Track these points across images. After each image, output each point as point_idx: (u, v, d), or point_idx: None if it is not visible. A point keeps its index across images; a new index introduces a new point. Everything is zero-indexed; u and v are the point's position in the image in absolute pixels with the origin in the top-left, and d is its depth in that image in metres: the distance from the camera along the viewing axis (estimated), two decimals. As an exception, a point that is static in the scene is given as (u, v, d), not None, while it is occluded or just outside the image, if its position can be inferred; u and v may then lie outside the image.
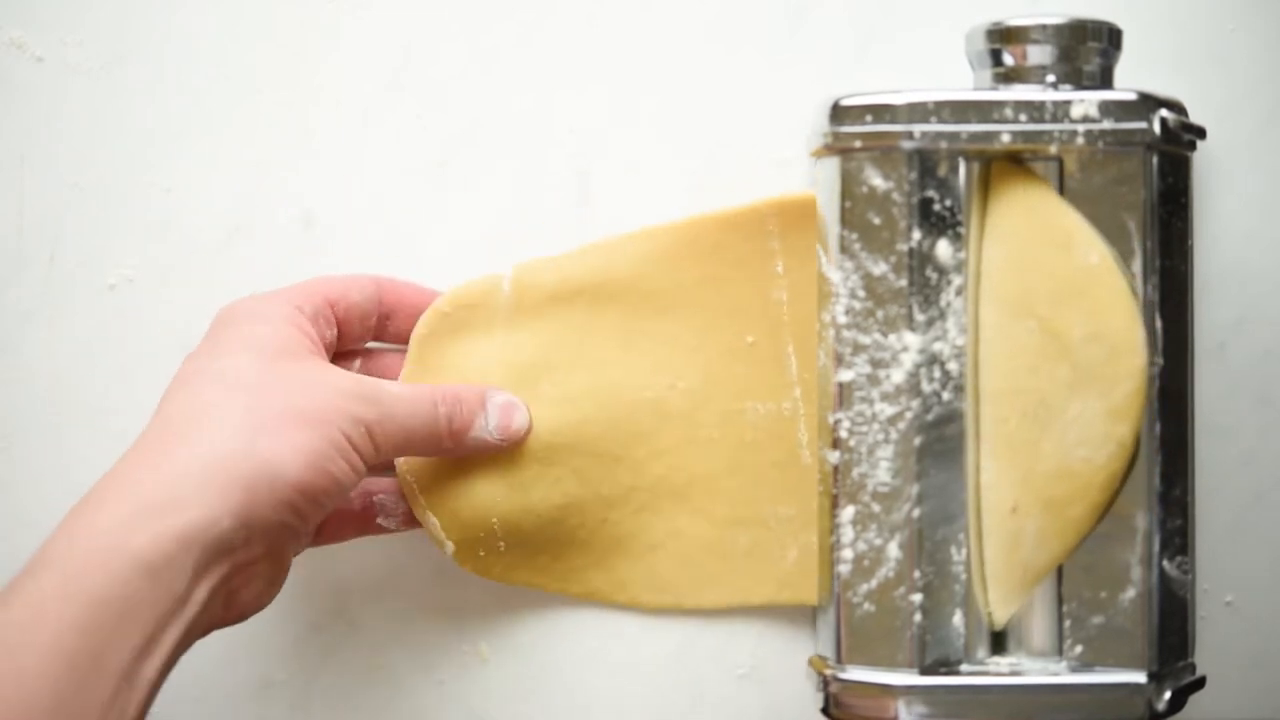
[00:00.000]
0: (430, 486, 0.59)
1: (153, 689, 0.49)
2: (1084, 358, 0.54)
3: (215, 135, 0.62)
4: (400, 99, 0.62)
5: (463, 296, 0.59)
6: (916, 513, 0.55)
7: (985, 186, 0.56)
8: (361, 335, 0.59)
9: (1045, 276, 0.55)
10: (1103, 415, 0.54)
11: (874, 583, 0.55)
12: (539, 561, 0.60)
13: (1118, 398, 0.54)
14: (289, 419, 0.52)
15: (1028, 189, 0.56)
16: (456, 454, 0.58)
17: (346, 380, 0.54)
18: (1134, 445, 0.55)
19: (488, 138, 0.62)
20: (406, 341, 0.59)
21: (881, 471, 0.55)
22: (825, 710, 0.56)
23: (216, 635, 0.61)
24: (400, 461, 0.59)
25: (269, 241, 0.62)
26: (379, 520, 0.59)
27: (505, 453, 0.58)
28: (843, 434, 0.55)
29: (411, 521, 0.60)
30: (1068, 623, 0.55)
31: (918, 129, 0.55)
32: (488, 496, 0.59)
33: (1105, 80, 0.57)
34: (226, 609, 0.52)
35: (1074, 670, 0.55)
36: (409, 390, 0.56)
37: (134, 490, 0.49)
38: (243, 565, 0.51)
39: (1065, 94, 0.55)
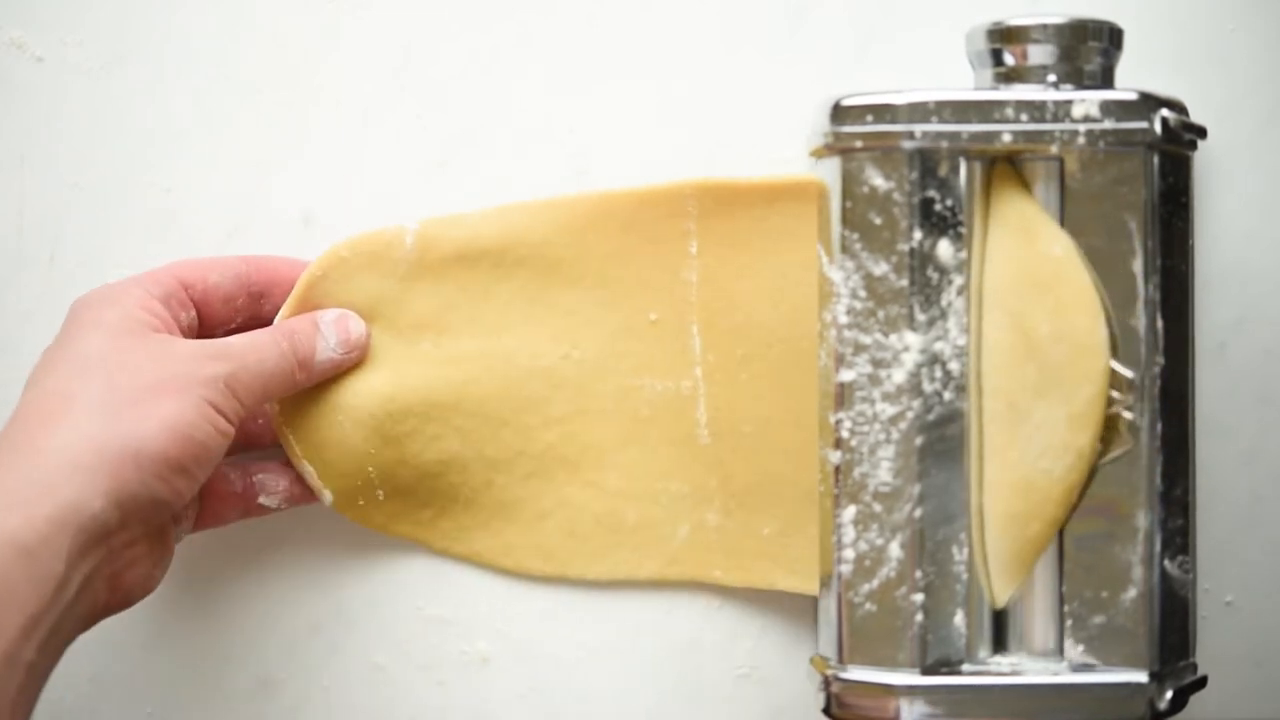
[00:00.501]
0: (305, 436, 0.59)
1: (35, 673, 0.49)
2: (1049, 358, 0.55)
3: (215, 135, 0.62)
4: (400, 99, 0.62)
5: (364, 244, 0.60)
6: (918, 512, 0.55)
7: (988, 188, 0.56)
8: (228, 316, 0.59)
9: (1014, 271, 0.55)
10: (1064, 422, 0.55)
11: (875, 582, 0.55)
12: (422, 516, 0.61)
13: (1079, 403, 0.54)
14: (147, 392, 0.52)
15: (1006, 187, 0.56)
16: (313, 382, 0.58)
17: (192, 344, 0.55)
18: (1092, 457, 0.55)
19: (488, 138, 0.62)
20: None
21: (883, 471, 0.55)
22: (826, 710, 0.56)
23: (216, 635, 0.62)
24: (276, 414, 0.59)
25: (269, 241, 0.62)
26: (260, 500, 0.59)
27: (379, 401, 0.59)
28: (844, 434, 0.55)
29: (293, 499, 0.60)
30: (1069, 622, 0.55)
31: (918, 129, 0.55)
32: (362, 445, 0.59)
33: (1106, 80, 0.57)
34: (111, 593, 0.53)
35: (1075, 670, 0.55)
36: (251, 337, 0.56)
37: (3, 478, 0.50)
38: (122, 547, 0.52)
39: (1066, 94, 0.55)
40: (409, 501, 0.60)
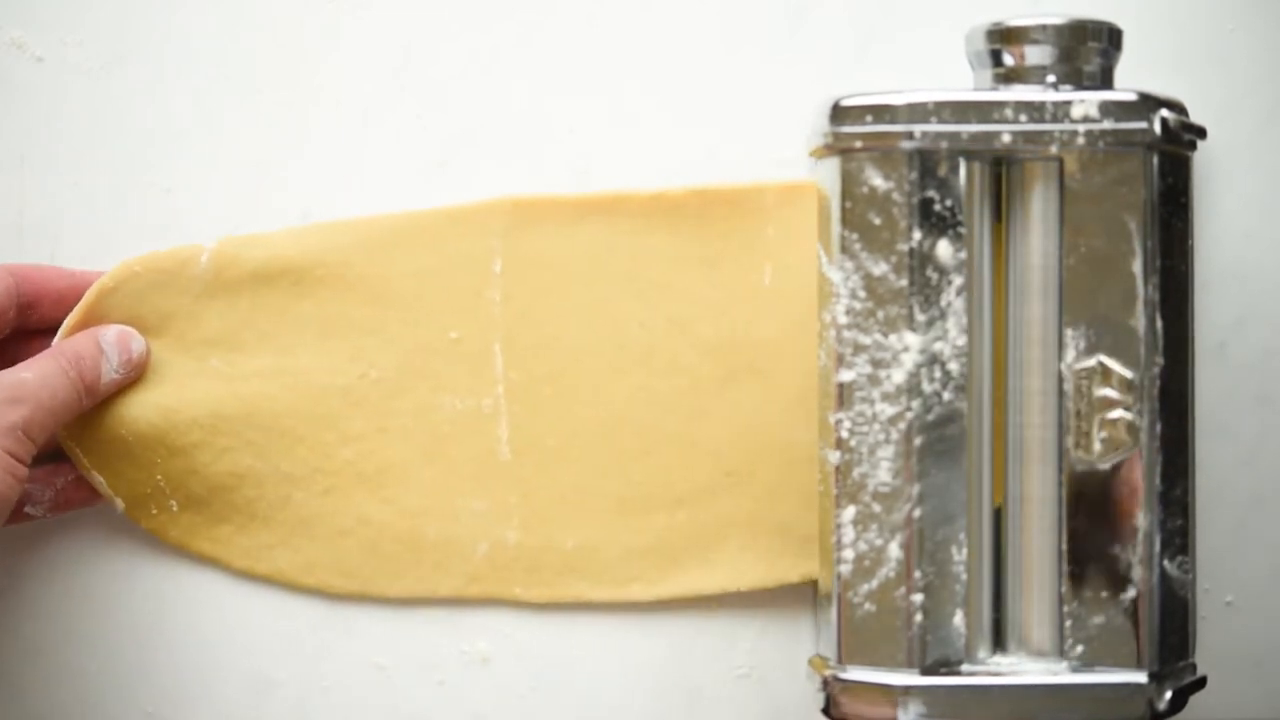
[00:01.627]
0: (91, 448, 0.59)
1: None
2: None
3: (215, 135, 0.62)
4: (400, 99, 0.62)
5: (158, 260, 0.60)
6: (917, 513, 0.55)
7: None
8: None
9: None
10: None
11: (874, 583, 0.55)
12: (220, 533, 0.61)
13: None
14: None
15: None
16: (96, 402, 0.58)
17: None
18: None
19: (488, 138, 0.62)
20: (53, 330, 0.59)
21: (882, 472, 0.55)
22: (825, 710, 0.56)
23: (216, 635, 0.62)
24: (60, 429, 0.59)
25: (269, 241, 0.62)
26: (27, 509, 0.59)
27: (161, 413, 0.59)
28: (843, 434, 0.55)
29: (59, 507, 0.60)
30: (1068, 623, 0.55)
31: (918, 129, 0.55)
32: (146, 454, 0.59)
33: (1105, 80, 0.57)
34: None
35: (1075, 670, 0.55)
36: (39, 370, 0.56)
37: None
38: None
39: (1065, 94, 0.55)
40: (204, 515, 0.61)
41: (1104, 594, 0.55)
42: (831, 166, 0.56)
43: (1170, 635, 0.55)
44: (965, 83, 0.58)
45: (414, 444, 0.61)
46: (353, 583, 0.61)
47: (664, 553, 0.61)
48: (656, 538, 0.61)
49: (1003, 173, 0.56)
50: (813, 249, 0.58)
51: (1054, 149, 0.55)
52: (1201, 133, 0.57)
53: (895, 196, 0.55)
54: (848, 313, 0.55)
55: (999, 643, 0.56)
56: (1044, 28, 0.56)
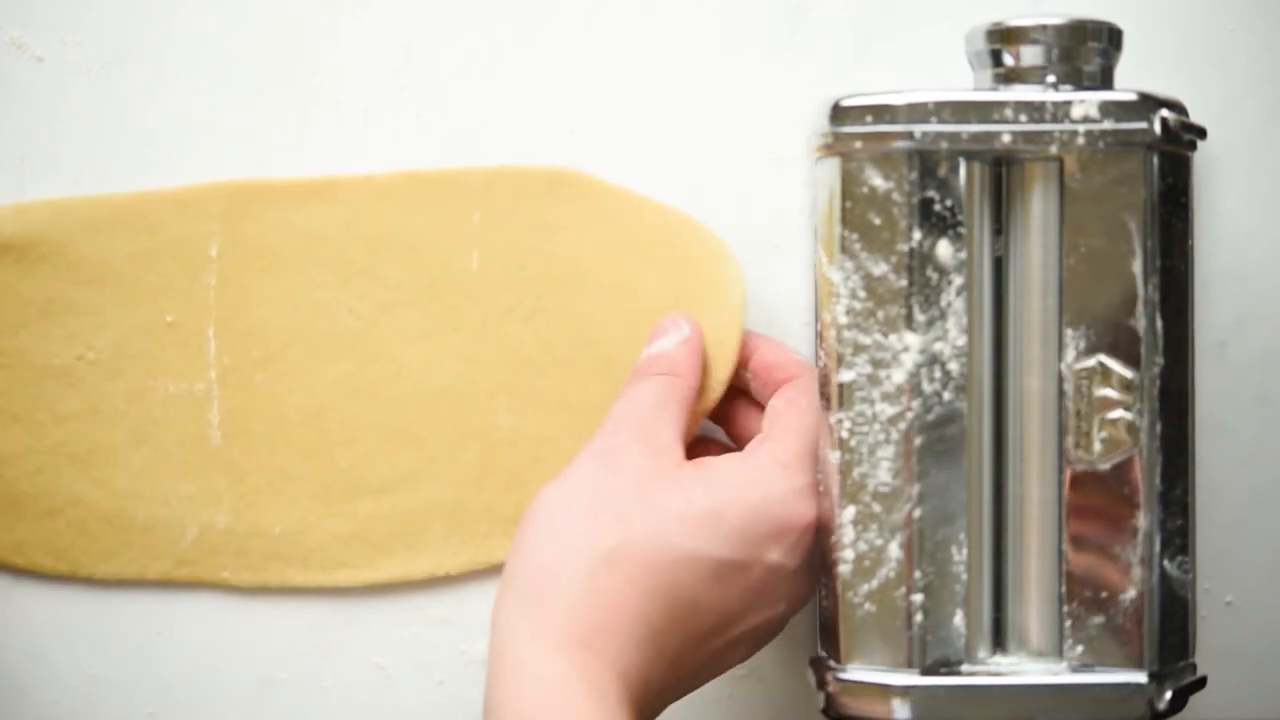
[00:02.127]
0: None
1: None
2: None
3: (215, 135, 0.62)
4: (400, 99, 0.62)
5: None
6: (917, 513, 0.55)
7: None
8: None
9: None
10: None
11: (874, 583, 0.55)
12: None
13: None
14: None
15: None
16: None
17: None
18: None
19: (488, 138, 0.62)
20: None
21: (882, 472, 0.55)
22: (825, 710, 0.56)
23: (217, 635, 0.61)
24: None
25: (269, 241, 0.62)
26: None
27: None
28: (843, 434, 0.55)
29: None
30: (1068, 623, 0.55)
31: (918, 129, 0.55)
32: None
33: (1105, 80, 0.57)
34: None
35: (1074, 670, 0.55)
36: None
37: None
38: None
39: (1065, 94, 0.55)
40: None
41: (1104, 594, 0.55)
42: (831, 166, 0.56)
43: (1170, 635, 0.55)
44: (965, 83, 0.58)
45: (125, 426, 0.61)
46: (62, 563, 0.61)
47: (370, 539, 0.61)
48: (362, 524, 0.61)
49: (1003, 173, 0.56)
50: (518, 234, 0.60)
51: (1054, 149, 0.55)
52: (1201, 133, 0.57)
53: (895, 196, 0.55)
54: (848, 313, 0.55)
55: (999, 643, 0.56)
56: (1044, 28, 0.56)
